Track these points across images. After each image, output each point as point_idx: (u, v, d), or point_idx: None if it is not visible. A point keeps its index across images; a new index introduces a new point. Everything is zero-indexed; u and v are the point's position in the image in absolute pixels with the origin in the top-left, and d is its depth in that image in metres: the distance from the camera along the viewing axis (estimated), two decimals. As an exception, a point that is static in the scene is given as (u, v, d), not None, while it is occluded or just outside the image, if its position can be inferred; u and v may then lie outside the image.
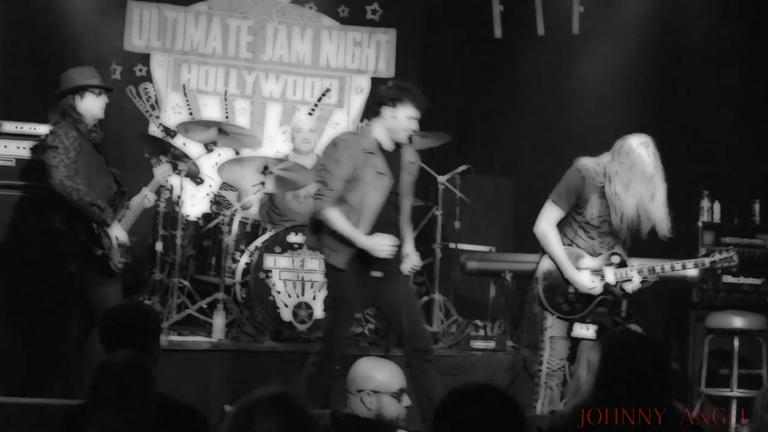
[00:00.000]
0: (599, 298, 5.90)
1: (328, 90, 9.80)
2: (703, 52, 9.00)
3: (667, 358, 4.88)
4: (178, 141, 8.49)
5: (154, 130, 9.27)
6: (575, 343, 5.97)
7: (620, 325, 6.03)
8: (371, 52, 9.92)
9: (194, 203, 8.88)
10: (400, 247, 5.93)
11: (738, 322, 7.46)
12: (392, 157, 5.93)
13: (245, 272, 7.37)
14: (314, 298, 7.31)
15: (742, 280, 7.96)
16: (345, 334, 6.09)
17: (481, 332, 7.78)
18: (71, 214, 6.16)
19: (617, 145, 5.79)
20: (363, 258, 5.80)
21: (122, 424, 3.29)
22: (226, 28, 9.65)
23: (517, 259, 7.98)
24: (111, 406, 3.28)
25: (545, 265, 5.97)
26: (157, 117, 9.34)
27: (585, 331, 5.85)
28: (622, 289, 5.90)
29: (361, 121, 9.75)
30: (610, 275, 5.87)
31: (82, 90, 6.38)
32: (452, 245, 8.48)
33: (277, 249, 7.28)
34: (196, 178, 7.77)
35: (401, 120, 5.85)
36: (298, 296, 7.28)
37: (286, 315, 7.26)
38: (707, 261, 6.03)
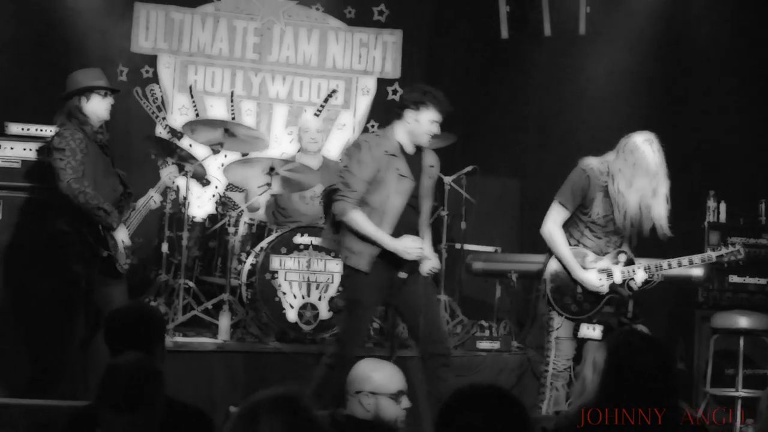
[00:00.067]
0: (607, 297, 5.90)
1: (334, 91, 9.80)
2: (709, 52, 8.99)
3: (673, 359, 4.89)
4: (185, 142, 8.50)
5: (160, 131, 9.28)
6: (581, 343, 5.97)
7: (626, 325, 6.04)
8: (378, 53, 9.92)
9: (200, 204, 8.88)
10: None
11: (743, 322, 7.44)
12: (413, 160, 5.93)
13: (251, 273, 7.37)
14: (320, 299, 7.31)
15: (747, 279, 7.95)
16: (361, 336, 6.07)
17: (487, 333, 7.77)
18: (77, 215, 6.17)
19: (621, 143, 5.81)
20: (388, 259, 5.81)
21: (132, 427, 3.28)
22: (233, 30, 9.65)
23: (522, 260, 7.97)
24: (120, 409, 3.28)
25: (552, 266, 5.98)
26: (164, 118, 9.35)
27: (591, 331, 5.86)
28: (629, 287, 5.91)
29: (368, 122, 9.75)
30: (618, 274, 5.88)
31: (88, 91, 6.40)
32: (458, 246, 8.48)
33: (283, 250, 7.28)
34: (202, 179, 7.78)
35: (424, 123, 5.85)
36: (303, 297, 7.28)
37: (292, 316, 7.26)
38: (714, 255, 6.04)
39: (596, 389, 3.54)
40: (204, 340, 7.23)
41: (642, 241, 6.06)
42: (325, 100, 9.76)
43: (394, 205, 5.82)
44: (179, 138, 8.91)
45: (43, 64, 8.65)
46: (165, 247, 7.53)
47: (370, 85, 9.91)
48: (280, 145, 9.52)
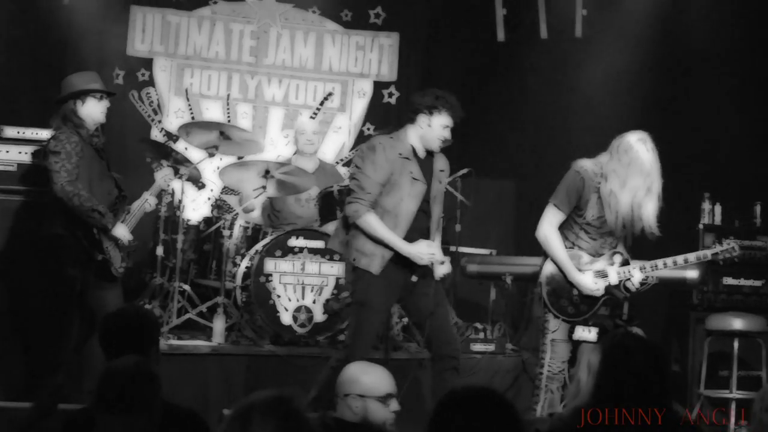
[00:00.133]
0: (603, 299, 5.91)
1: (330, 94, 9.80)
2: (705, 54, 8.99)
3: (667, 361, 4.89)
4: (180, 145, 8.50)
5: (156, 134, 9.27)
6: (576, 346, 5.98)
7: (621, 327, 6.05)
8: (374, 56, 9.92)
9: (195, 207, 8.87)
10: None
11: (738, 323, 7.46)
12: (424, 164, 5.93)
13: (245, 276, 7.37)
14: (314, 302, 7.31)
15: (742, 281, 7.97)
16: (369, 340, 5.99)
17: (481, 335, 7.78)
18: (72, 219, 6.18)
19: (615, 144, 5.82)
20: (401, 263, 5.80)
21: (129, 429, 3.29)
22: (229, 33, 9.65)
23: (517, 262, 7.99)
24: (118, 412, 3.28)
25: (548, 268, 5.99)
26: (159, 121, 9.34)
27: (587, 333, 5.86)
28: (626, 288, 5.91)
29: (363, 124, 9.75)
30: (613, 275, 5.89)
31: (83, 95, 6.41)
32: (453, 248, 8.48)
33: (278, 253, 7.28)
34: (197, 182, 7.78)
35: (436, 128, 5.85)
36: (298, 300, 7.28)
37: (286, 319, 7.26)
38: (709, 253, 6.04)
39: (590, 391, 3.55)
40: (198, 343, 7.22)
41: (638, 245, 6.07)
42: (321, 103, 9.76)
43: (407, 208, 5.82)
44: (175, 141, 8.89)
45: (39, 67, 8.66)
46: (160, 250, 7.53)
47: (366, 87, 9.92)
48: (276, 148, 9.52)
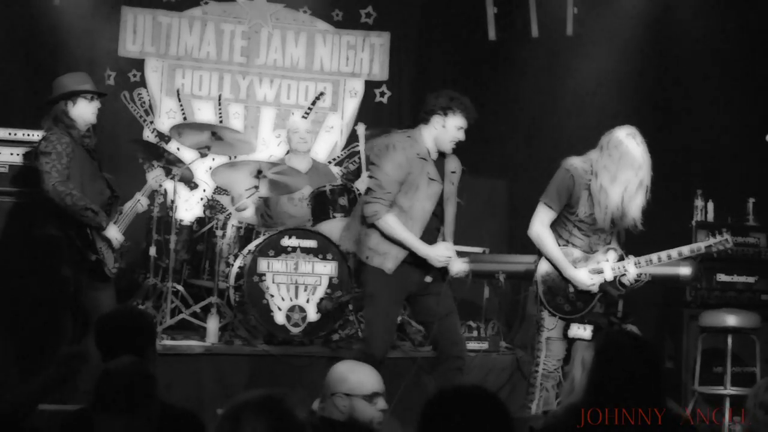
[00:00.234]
0: (599, 295, 5.92)
1: (322, 93, 9.80)
2: (696, 52, 9.00)
3: (661, 358, 4.90)
4: (172, 146, 8.50)
5: (147, 135, 9.27)
6: (570, 344, 5.98)
7: (616, 325, 6.05)
8: (365, 56, 9.93)
9: (188, 207, 8.86)
10: None
11: (731, 320, 7.46)
12: (436, 166, 5.95)
13: (239, 276, 7.36)
14: (308, 302, 7.30)
15: (735, 278, 7.97)
16: (386, 332, 5.97)
17: (475, 333, 7.76)
18: (65, 219, 6.17)
19: (604, 140, 5.82)
20: (416, 263, 5.82)
21: (128, 430, 3.29)
22: (221, 33, 9.65)
23: (510, 260, 7.98)
24: (116, 412, 3.29)
25: (543, 267, 5.99)
26: (151, 122, 9.34)
27: (582, 331, 5.86)
28: (620, 283, 5.92)
29: (355, 124, 9.74)
30: (608, 270, 5.89)
31: (74, 96, 6.41)
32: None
33: (271, 252, 7.27)
34: (189, 182, 7.77)
35: (450, 130, 5.89)
36: (291, 299, 7.27)
37: (280, 318, 7.25)
38: (702, 246, 6.03)
39: (584, 388, 3.55)
40: (192, 343, 7.20)
41: (632, 243, 6.07)
42: (313, 103, 9.76)
43: (423, 208, 5.83)
44: (167, 142, 8.89)
45: (30, 68, 8.66)
46: (153, 251, 7.52)
47: (357, 87, 9.92)
48: (268, 147, 9.52)
